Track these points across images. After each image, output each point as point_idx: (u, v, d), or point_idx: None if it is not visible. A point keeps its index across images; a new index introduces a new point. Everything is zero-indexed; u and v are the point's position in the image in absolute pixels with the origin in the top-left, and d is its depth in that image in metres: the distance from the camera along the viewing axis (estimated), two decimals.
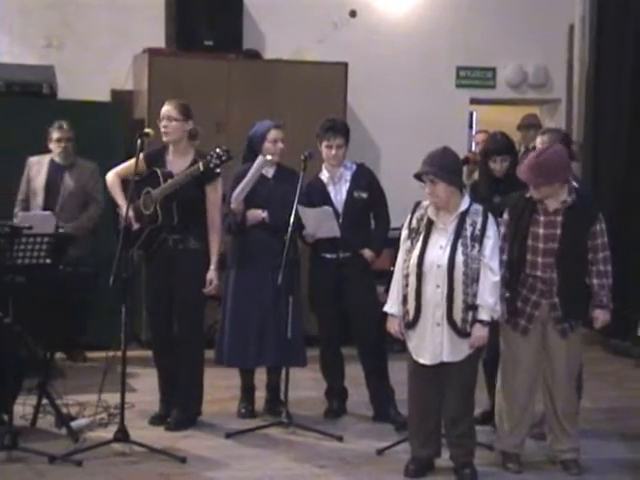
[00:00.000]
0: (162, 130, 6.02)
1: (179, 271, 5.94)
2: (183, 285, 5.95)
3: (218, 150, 5.77)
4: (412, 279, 5.10)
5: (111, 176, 6.18)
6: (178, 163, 6.02)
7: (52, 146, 7.62)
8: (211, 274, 6.00)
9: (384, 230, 6.45)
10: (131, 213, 5.91)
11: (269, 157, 6.21)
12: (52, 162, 7.62)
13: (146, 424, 6.11)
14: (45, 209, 7.37)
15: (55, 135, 7.60)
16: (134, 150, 5.89)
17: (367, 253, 6.32)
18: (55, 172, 7.59)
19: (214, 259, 6.02)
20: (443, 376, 5.16)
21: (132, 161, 6.08)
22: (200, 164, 5.81)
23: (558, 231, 5.28)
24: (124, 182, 6.08)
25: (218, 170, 5.80)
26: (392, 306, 5.23)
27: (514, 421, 5.46)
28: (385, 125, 9.35)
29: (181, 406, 6.11)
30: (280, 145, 6.30)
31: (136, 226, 5.95)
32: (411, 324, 5.15)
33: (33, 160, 7.65)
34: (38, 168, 7.62)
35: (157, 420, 6.13)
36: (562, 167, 5.32)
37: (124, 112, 8.40)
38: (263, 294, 6.22)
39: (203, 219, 6.02)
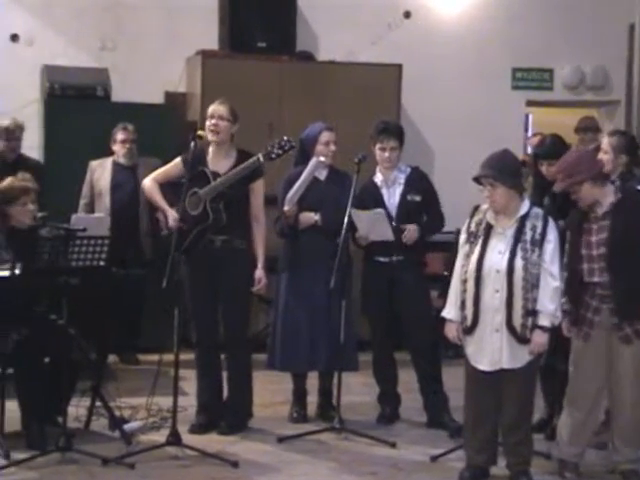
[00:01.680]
0: (211, 129, 5.97)
1: (226, 272, 5.92)
2: (230, 286, 5.93)
3: (279, 140, 5.76)
4: (470, 284, 5.06)
5: (149, 182, 6.16)
6: (221, 164, 6.00)
7: (116, 147, 7.69)
8: (259, 273, 5.99)
9: (435, 224, 6.37)
10: (172, 215, 5.89)
11: (322, 159, 6.19)
12: (116, 164, 7.71)
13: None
14: (112, 210, 7.46)
15: (120, 136, 7.68)
16: (185, 150, 5.91)
17: (412, 227, 6.20)
18: (120, 173, 7.66)
19: (261, 258, 6.02)
20: (501, 382, 5.11)
21: (170, 165, 6.13)
22: (260, 155, 5.79)
23: (607, 234, 5.20)
24: (162, 186, 6.08)
25: (278, 160, 5.75)
26: (450, 311, 5.19)
27: (575, 429, 5.37)
28: (439, 127, 9.29)
29: (232, 409, 6.11)
30: (332, 147, 6.28)
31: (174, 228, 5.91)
32: (469, 329, 5.11)
33: (95, 164, 7.74)
34: (101, 171, 7.70)
35: (197, 429, 6.04)
36: (582, 163, 5.23)
37: (177, 114, 8.46)
38: (315, 297, 6.21)
39: (246, 218, 6.02)
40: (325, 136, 6.28)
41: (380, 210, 6.18)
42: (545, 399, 6.12)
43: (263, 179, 6.02)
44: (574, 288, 5.24)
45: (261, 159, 5.78)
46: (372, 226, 6.18)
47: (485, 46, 9.43)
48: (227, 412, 6.11)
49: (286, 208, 6.18)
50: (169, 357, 5.69)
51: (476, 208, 5.24)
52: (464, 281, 5.11)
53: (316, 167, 6.16)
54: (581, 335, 5.29)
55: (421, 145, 9.20)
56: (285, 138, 5.78)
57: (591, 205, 5.24)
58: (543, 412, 6.15)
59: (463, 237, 5.22)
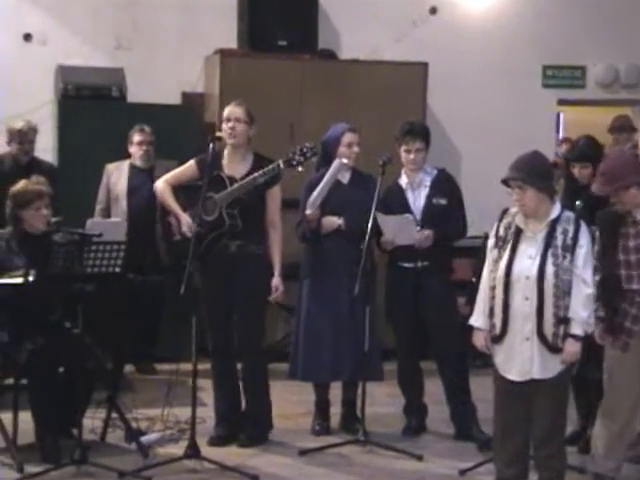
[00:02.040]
0: (227, 132, 6.00)
1: (241, 278, 5.94)
2: (245, 292, 5.95)
3: (301, 147, 5.78)
4: (499, 290, 5.04)
5: (161, 184, 6.19)
6: (237, 168, 6.02)
7: (133, 149, 7.71)
8: (276, 280, 6.01)
9: (455, 230, 6.37)
10: (185, 220, 5.93)
11: (345, 161, 6.21)
12: (132, 167, 7.73)
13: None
14: (129, 215, 7.49)
15: (137, 138, 7.70)
16: (203, 153, 5.94)
17: (426, 232, 6.21)
18: (137, 176, 7.69)
19: (277, 265, 6.04)
20: (532, 393, 5.08)
21: (183, 167, 6.16)
22: (280, 161, 5.82)
23: None
24: (175, 190, 6.11)
25: (300, 168, 5.78)
26: (478, 319, 5.18)
27: (611, 442, 5.34)
28: (466, 128, 9.28)
29: (251, 421, 6.13)
30: (355, 149, 6.30)
31: (188, 233, 5.93)
32: (498, 338, 5.09)
33: (111, 167, 7.76)
34: (118, 174, 7.72)
35: (216, 441, 6.07)
36: (628, 167, 5.22)
37: (195, 115, 8.49)
38: (338, 304, 6.23)
39: (262, 224, 6.04)
40: (348, 137, 6.30)
41: (409, 215, 6.20)
42: (578, 410, 6.11)
43: (279, 185, 6.05)
44: (609, 294, 5.22)
45: (281, 166, 5.81)
46: (399, 230, 6.19)
47: (514, 43, 9.42)
48: (246, 424, 6.12)
49: (308, 212, 6.20)
50: (187, 366, 5.72)
51: (505, 211, 5.22)
52: (492, 287, 5.10)
53: (339, 169, 6.18)
54: (619, 345, 5.27)
55: (447, 146, 9.19)
56: (307, 144, 5.81)
57: (630, 209, 5.23)
58: (576, 424, 6.13)
59: (491, 242, 5.20)
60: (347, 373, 6.27)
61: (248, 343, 6.01)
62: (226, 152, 6.09)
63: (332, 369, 6.26)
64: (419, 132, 6.34)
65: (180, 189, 6.11)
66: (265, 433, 6.17)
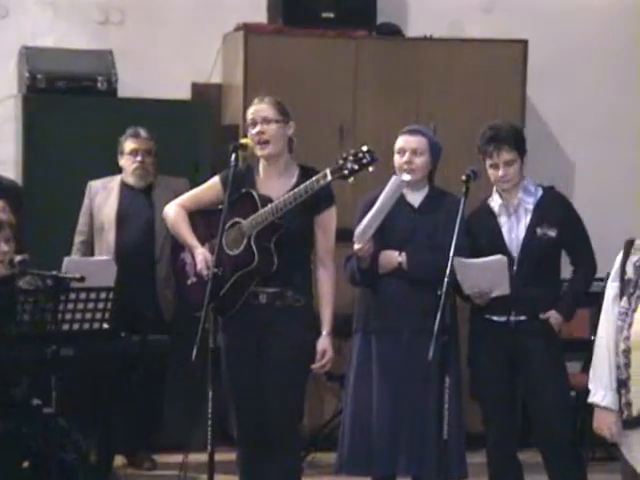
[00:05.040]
0: (257, 139, 5.99)
1: (274, 339, 5.93)
2: (279, 359, 5.93)
3: (356, 151, 5.75)
4: (636, 356, 5.01)
5: (174, 208, 6.19)
6: (276, 185, 6.02)
7: (124, 162, 7.71)
8: (324, 342, 5.99)
9: (584, 281, 6.43)
10: (201, 256, 5.94)
11: (407, 177, 6.21)
12: (124, 185, 7.75)
13: None
14: (120, 251, 7.51)
15: (128, 146, 7.69)
16: (224, 167, 5.98)
17: (553, 317, 6.29)
18: (130, 198, 7.72)
19: (327, 320, 6.02)
20: None
21: (204, 187, 6.19)
22: (327, 171, 5.77)
23: None
24: (191, 217, 6.13)
25: (352, 179, 5.76)
26: (600, 394, 5.13)
27: None
28: (581, 129, 9.29)
29: None
30: (413, 159, 6.28)
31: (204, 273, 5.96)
32: (634, 422, 5.05)
33: (95, 185, 7.78)
34: (104, 195, 7.73)
35: None
36: None
37: (210, 114, 8.54)
38: (399, 373, 6.23)
39: (307, 262, 6.06)
40: (400, 142, 6.32)
41: (501, 257, 6.18)
42: None
43: (334, 208, 6.04)
44: None
45: (328, 177, 5.77)
46: (482, 278, 6.17)
47: None
48: None
49: (357, 246, 6.19)
50: (199, 457, 5.73)
51: (630, 244, 5.17)
52: (625, 351, 5.05)
53: (398, 188, 6.16)
54: None
55: (555, 154, 9.21)
56: (364, 148, 5.78)
57: None
58: None
59: (614, 287, 5.17)
60: (415, 467, 6.23)
61: (279, 428, 5.98)
62: (261, 165, 6.11)
63: (390, 460, 6.24)
64: (505, 138, 6.34)
65: (199, 215, 6.13)
66: None
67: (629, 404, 5.06)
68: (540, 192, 6.42)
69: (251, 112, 6.06)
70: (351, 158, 5.75)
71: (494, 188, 6.43)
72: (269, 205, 5.87)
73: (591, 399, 5.19)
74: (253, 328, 5.95)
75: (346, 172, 5.75)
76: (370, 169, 5.81)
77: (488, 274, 6.17)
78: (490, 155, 6.33)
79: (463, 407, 6.37)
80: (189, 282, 6.14)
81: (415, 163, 6.28)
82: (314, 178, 5.80)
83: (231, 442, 6.23)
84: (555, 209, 6.39)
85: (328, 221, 6.05)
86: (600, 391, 5.14)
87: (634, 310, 5.07)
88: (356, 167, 5.75)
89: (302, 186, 5.82)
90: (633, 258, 5.15)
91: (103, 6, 8.86)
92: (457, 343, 6.33)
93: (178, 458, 6.20)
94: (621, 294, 5.14)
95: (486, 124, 6.44)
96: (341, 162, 5.77)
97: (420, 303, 6.17)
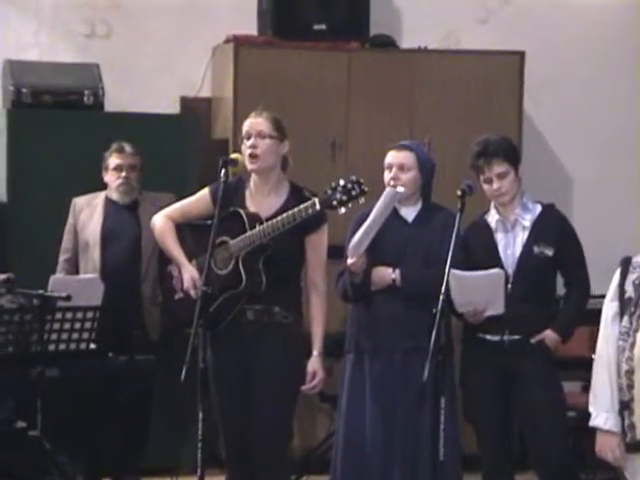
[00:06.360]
0: (247, 152, 6.02)
1: (261, 358, 5.93)
2: (267, 378, 5.93)
3: (345, 182, 5.75)
4: (639, 376, 4.99)
5: (161, 220, 6.22)
6: (265, 203, 6.04)
7: (108, 177, 7.70)
8: (314, 363, 6.00)
9: (579, 302, 6.41)
10: (189, 274, 5.95)
11: (401, 189, 6.20)
12: (109, 201, 7.73)
13: None
14: (105, 269, 7.49)
15: (113, 161, 7.66)
16: (213, 182, 5.98)
17: (548, 336, 6.27)
18: (115, 215, 7.69)
19: (318, 341, 6.03)
20: None
21: (193, 198, 6.20)
22: (315, 200, 5.78)
23: None
24: (179, 229, 6.14)
25: (343, 209, 5.78)
26: (602, 417, 5.10)
27: None
28: (578, 142, 9.30)
29: None
30: (399, 175, 6.27)
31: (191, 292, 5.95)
32: (639, 445, 5.03)
33: (80, 202, 7.76)
34: (89, 212, 7.72)
35: None
36: None
37: (199, 128, 8.53)
38: (392, 393, 6.22)
39: (297, 283, 6.06)
40: (387, 158, 6.30)
41: (498, 271, 6.17)
42: None
43: (326, 228, 6.04)
44: None
45: (317, 206, 5.79)
46: (478, 291, 6.16)
47: None
48: None
49: (350, 261, 6.18)
50: None
51: (627, 262, 5.16)
52: (628, 372, 5.03)
53: (392, 201, 6.14)
54: None
55: (553, 168, 9.21)
56: (353, 178, 5.78)
57: None
58: None
59: (613, 307, 5.15)
60: None
61: (267, 450, 5.97)
62: (252, 181, 6.11)
63: None
64: (496, 151, 6.32)
65: (188, 229, 6.12)
66: None
67: (633, 426, 5.04)
68: (539, 209, 6.40)
69: (247, 125, 6.09)
70: (340, 189, 5.76)
71: (492, 203, 6.43)
72: (257, 227, 5.88)
73: (592, 423, 5.16)
74: (240, 344, 5.96)
75: (335, 203, 5.77)
76: (361, 201, 5.82)
77: (484, 288, 6.15)
78: (482, 170, 6.31)
79: (459, 427, 6.35)
80: (176, 297, 6.17)
81: (401, 179, 6.25)
82: (302, 206, 5.82)
83: (221, 465, 6.22)
84: (553, 228, 6.38)
85: (319, 241, 6.06)
86: (602, 414, 5.12)
87: (636, 330, 5.05)
88: (345, 199, 5.77)
89: (290, 212, 5.83)
90: (632, 276, 5.13)
91: (89, 19, 8.87)
92: (452, 364, 6.29)
93: None
94: (621, 313, 5.13)
95: (478, 138, 6.44)
96: (330, 192, 5.77)
97: (414, 321, 6.17)
